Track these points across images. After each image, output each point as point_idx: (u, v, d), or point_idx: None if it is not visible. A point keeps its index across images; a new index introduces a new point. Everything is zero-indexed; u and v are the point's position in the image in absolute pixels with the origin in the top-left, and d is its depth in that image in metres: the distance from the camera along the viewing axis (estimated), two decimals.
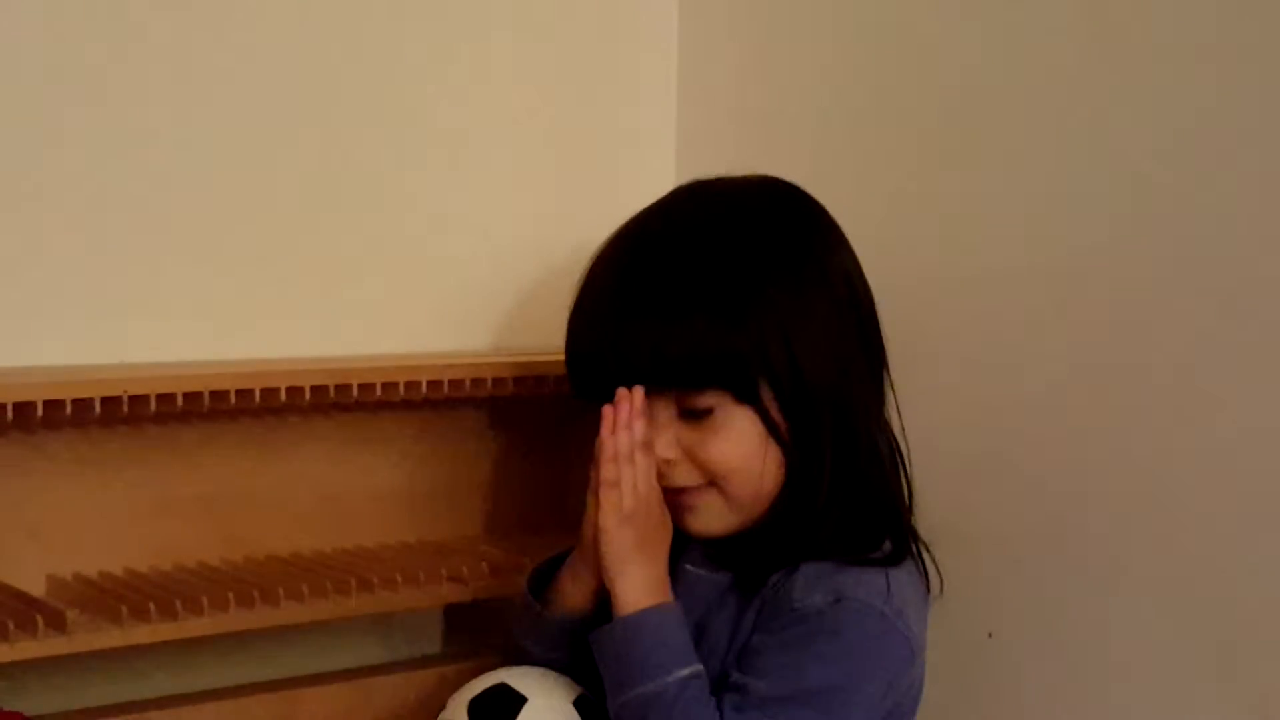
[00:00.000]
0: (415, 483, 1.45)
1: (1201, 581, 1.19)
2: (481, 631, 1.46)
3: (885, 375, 1.22)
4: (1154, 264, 1.21)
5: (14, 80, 1.24)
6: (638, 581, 1.15)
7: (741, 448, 1.15)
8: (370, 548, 1.42)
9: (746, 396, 1.14)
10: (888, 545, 1.16)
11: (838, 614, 1.11)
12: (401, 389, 1.32)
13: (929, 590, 1.21)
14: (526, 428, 1.51)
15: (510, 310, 1.52)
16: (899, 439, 1.22)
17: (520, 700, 1.17)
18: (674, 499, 1.18)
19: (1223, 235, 1.17)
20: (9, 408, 1.14)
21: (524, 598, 1.24)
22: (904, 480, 1.22)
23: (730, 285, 1.14)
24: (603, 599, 1.17)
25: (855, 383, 1.17)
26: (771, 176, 1.23)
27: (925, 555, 1.21)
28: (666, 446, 1.17)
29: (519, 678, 1.19)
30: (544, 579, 1.24)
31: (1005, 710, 1.32)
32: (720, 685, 1.13)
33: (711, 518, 1.18)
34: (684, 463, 1.17)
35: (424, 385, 1.33)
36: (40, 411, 1.15)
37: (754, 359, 1.14)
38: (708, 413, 1.15)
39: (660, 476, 1.17)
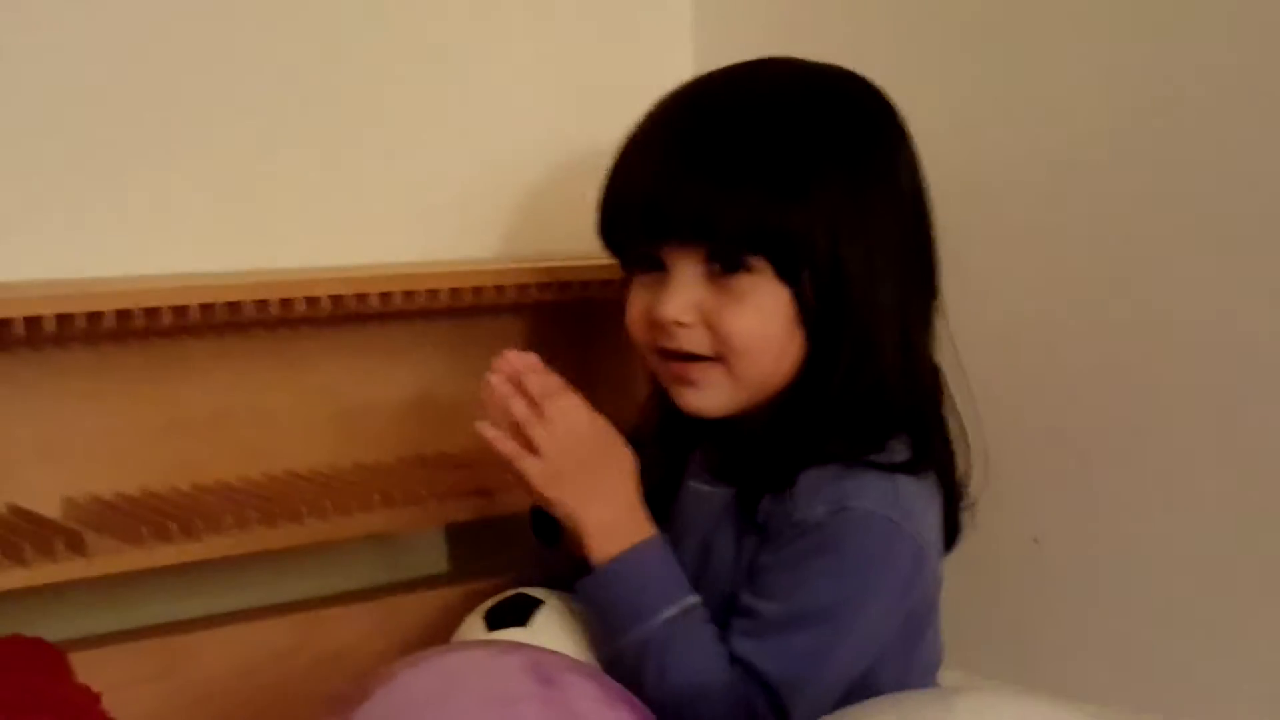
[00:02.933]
0: (434, 394, 1.41)
1: (1257, 488, 1.16)
2: (503, 549, 1.43)
3: (935, 294, 1.16)
4: (1204, 150, 1.17)
5: None
6: (602, 526, 1.11)
7: (766, 325, 1.10)
8: (389, 462, 1.38)
9: (787, 273, 1.09)
10: (897, 449, 1.11)
11: (841, 524, 1.07)
12: (422, 297, 1.28)
13: (957, 500, 1.16)
14: (547, 335, 1.47)
15: (525, 215, 1.48)
16: (955, 361, 1.18)
17: (535, 603, 1.16)
18: (676, 370, 1.13)
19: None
20: (18, 322, 1.10)
21: (529, 537, 1.21)
22: (943, 401, 1.16)
23: (793, 160, 1.09)
24: None
25: (896, 291, 1.11)
26: (846, 69, 1.16)
27: (957, 477, 1.16)
28: (683, 309, 1.11)
29: (534, 589, 1.18)
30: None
31: (1050, 616, 1.30)
32: (730, 607, 1.10)
33: (714, 395, 1.13)
34: (699, 329, 1.11)
35: (445, 293, 1.29)
36: (52, 327, 1.10)
37: (801, 239, 1.08)
38: (745, 271, 1.09)
39: (667, 339, 1.12)
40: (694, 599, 1.10)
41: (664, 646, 1.08)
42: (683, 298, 1.11)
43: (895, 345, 1.11)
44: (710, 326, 1.11)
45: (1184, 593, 1.21)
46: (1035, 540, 1.29)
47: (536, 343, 1.46)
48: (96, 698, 1.08)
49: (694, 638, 1.09)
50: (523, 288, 1.34)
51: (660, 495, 1.18)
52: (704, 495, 1.16)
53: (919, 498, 1.10)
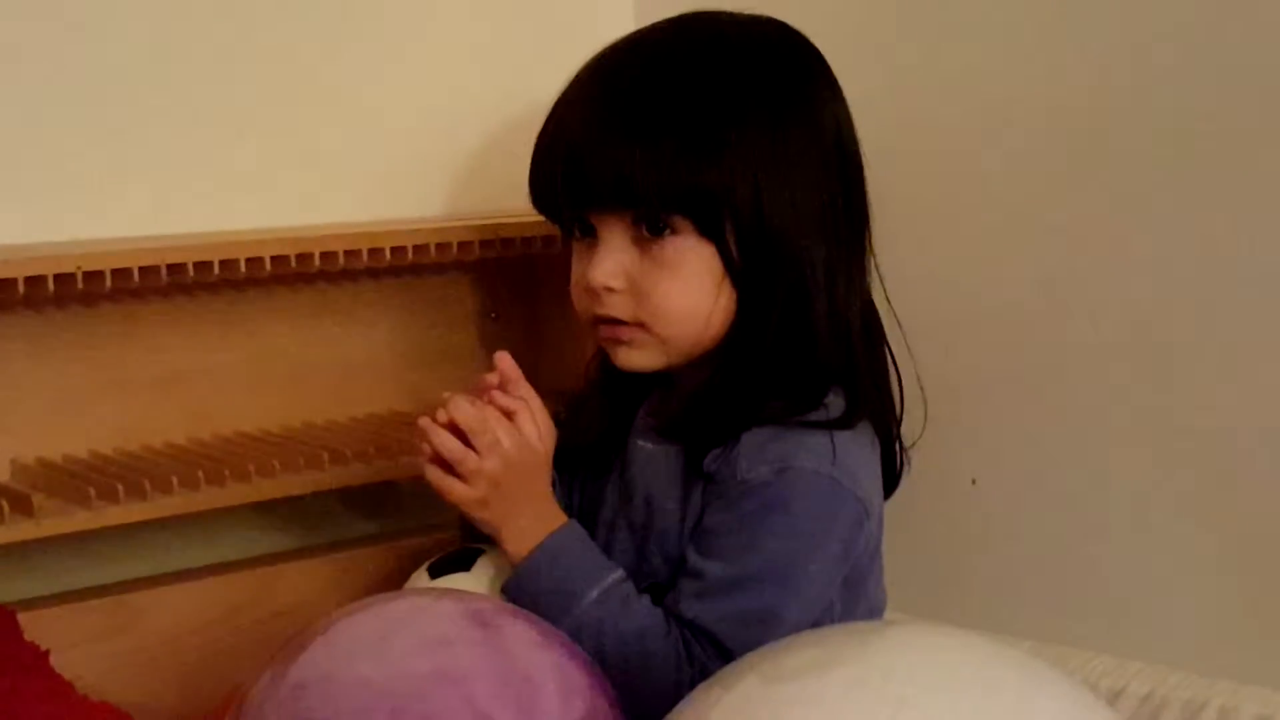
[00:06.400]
0: (383, 353, 1.42)
1: (1187, 426, 1.18)
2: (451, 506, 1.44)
3: (867, 241, 1.17)
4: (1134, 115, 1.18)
5: None
6: (520, 532, 1.12)
7: (690, 293, 1.11)
8: (341, 421, 1.39)
9: (710, 230, 1.10)
10: (833, 404, 1.12)
11: (785, 484, 1.08)
12: (365, 256, 1.28)
13: (898, 462, 1.18)
14: (492, 291, 1.48)
15: (470, 173, 1.48)
16: (885, 305, 1.19)
17: (476, 553, 1.18)
18: (606, 333, 1.15)
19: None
20: None
21: None
22: (883, 350, 1.18)
23: (709, 116, 1.09)
24: None
25: (824, 240, 1.12)
26: (772, 18, 1.17)
27: (895, 420, 1.18)
28: (612, 274, 1.12)
29: (478, 544, 1.19)
30: None
31: (988, 556, 1.32)
32: (678, 567, 1.12)
33: (645, 353, 1.14)
34: (626, 295, 1.13)
35: (388, 252, 1.29)
36: None
37: (721, 195, 1.09)
38: (670, 233, 1.10)
39: (598, 305, 1.13)
40: (615, 575, 1.11)
41: (597, 628, 1.08)
42: (611, 262, 1.12)
43: (825, 294, 1.12)
44: (635, 293, 1.12)
45: (1119, 530, 1.23)
46: (973, 481, 1.31)
47: (483, 300, 1.48)
48: (45, 655, 1.09)
49: (624, 612, 1.09)
50: (466, 245, 1.34)
51: (605, 449, 1.20)
52: (649, 454, 1.17)
53: (858, 453, 1.11)
